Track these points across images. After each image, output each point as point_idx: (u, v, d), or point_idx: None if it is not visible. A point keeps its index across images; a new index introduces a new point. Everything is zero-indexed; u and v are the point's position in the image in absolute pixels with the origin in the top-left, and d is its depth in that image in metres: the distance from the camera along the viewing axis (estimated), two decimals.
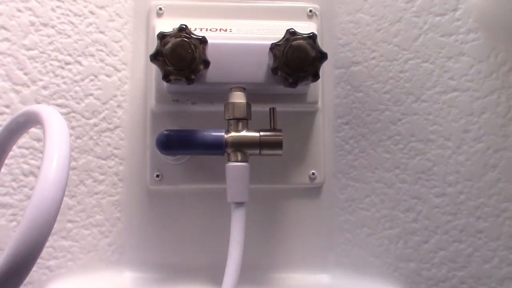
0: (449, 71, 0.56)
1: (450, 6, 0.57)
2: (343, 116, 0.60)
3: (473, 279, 0.55)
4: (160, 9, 0.58)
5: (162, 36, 0.49)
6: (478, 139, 0.55)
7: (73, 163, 0.56)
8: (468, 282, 0.55)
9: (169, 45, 0.49)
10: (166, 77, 0.49)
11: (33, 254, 0.30)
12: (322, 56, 0.51)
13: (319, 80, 0.55)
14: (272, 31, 0.56)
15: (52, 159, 0.33)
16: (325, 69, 0.60)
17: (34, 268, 0.54)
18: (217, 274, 0.52)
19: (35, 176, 0.55)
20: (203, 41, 0.50)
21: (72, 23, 0.57)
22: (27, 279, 0.53)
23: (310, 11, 0.60)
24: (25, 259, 0.30)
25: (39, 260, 0.54)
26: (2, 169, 0.46)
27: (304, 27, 0.52)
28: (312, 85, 0.56)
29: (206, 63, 0.50)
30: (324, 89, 0.60)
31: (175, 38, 0.49)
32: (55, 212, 0.32)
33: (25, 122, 0.41)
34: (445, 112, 0.56)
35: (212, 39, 0.52)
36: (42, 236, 0.31)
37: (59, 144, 0.34)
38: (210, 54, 0.51)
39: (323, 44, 0.53)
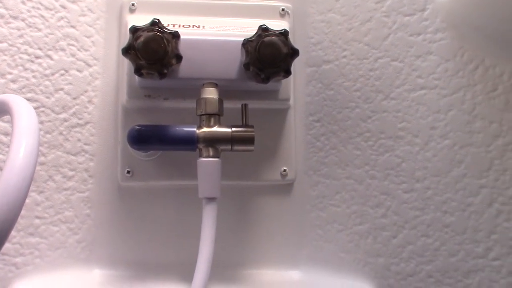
0: (417, 69, 0.58)
1: (418, 6, 0.58)
2: (315, 114, 0.60)
3: (440, 272, 0.56)
4: (133, 5, 0.58)
5: (134, 30, 0.49)
6: (445, 136, 0.57)
7: (42, 158, 0.55)
8: (435, 276, 0.56)
9: (142, 39, 0.49)
10: (138, 71, 0.49)
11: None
12: (294, 52, 0.51)
13: (291, 78, 0.56)
14: (244, 29, 0.56)
15: (20, 146, 0.32)
16: (297, 67, 0.61)
17: (0, 265, 0.53)
18: (188, 271, 0.52)
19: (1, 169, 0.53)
20: (175, 35, 0.50)
21: (43, 16, 0.56)
22: None
23: (283, 10, 0.61)
24: None
25: (5, 257, 0.54)
26: None
27: (277, 26, 0.53)
28: (284, 82, 0.57)
29: (179, 58, 0.50)
30: (296, 87, 0.61)
31: (148, 32, 0.49)
32: (22, 199, 0.32)
33: None
34: (413, 109, 0.58)
35: (185, 35, 0.52)
36: (7, 223, 0.31)
37: (28, 132, 0.34)
38: (182, 49, 0.51)
39: (295, 42, 0.53)
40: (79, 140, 0.57)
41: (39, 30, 0.56)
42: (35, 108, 0.55)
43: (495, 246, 0.55)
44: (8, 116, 0.49)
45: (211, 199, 0.52)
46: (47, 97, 0.56)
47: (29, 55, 0.55)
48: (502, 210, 0.55)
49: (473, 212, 0.56)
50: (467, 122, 0.56)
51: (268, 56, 0.50)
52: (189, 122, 0.53)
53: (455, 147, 0.56)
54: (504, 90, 0.56)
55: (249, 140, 0.53)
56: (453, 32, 0.57)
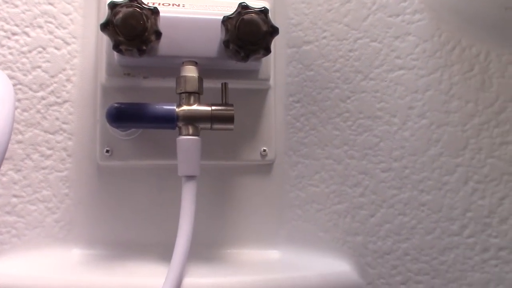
0: (396, 50, 0.58)
1: None
2: (295, 94, 0.61)
3: (416, 250, 0.57)
4: None
5: (113, 5, 0.49)
6: (422, 115, 0.57)
7: (19, 136, 0.55)
8: (411, 254, 0.57)
9: (120, 14, 0.48)
10: (116, 47, 0.49)
11: None
12: (274, 30, 0.51)
13: (271, 58, 0.56)
14: (225, 8, 0.56)
15: None
16: (277, 48, 0.61)
17: None
18: (167, 250, 0.51)
19: None
20: (154, 11, 0.49)
21: None
22: None
23: None
24: None
25: None
26: None
27: (257, 5, 0.53)
28: (264, 62, 0.57)
29: (158, 34, 0.50)
30: (276, 67, 0.61)
31: (127, 7, 0.49)
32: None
33: None
34: (391, 89, 0.58)
35: (165, 12, 0.51)
36: None
37: (2, 99, 0.33)
38: (162, 27, 0.51)
39: (276, 23, 0.53)
40: (57, 118, 0.56)
41: (16, 6, 0.55)
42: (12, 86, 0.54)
43: (470, 224, 0.56)
44: None
45: (190, 177, 0.51)
46: (24, 75, 0.55)
47: (5, 31, 0.55)
48: (477, 188, 0.56)
49: (449, 191, 0.57)
50: (444, 101, 0.57)
51: (248, 34, 0.50)
52: (169, 100, 0.53)
53: (432, 127, 0.57)
54: (480, 70, 0.57)
55: (228, 119, 0.53)
56: (431, 13, 0.58)
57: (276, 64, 0.61)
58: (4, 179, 0.54)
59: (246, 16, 0.51)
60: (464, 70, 0.57)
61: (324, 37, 0.60)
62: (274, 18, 0.59)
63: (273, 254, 0.60)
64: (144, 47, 0.49)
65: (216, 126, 0.53)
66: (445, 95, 0.57)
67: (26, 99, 0.55)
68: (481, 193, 0.56)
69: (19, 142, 0.54)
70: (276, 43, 0.59)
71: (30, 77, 0.55)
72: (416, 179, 0.57)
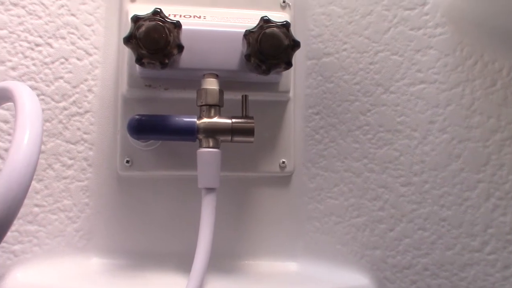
0: (417, 63, 0.58)
1: (419, 0, 0.58)
2: (314, 106, 0.61)
3: (436, 265, 0.56)
4: None
5: (136, 19, 0.49)
6: (443, 130, 0.57)
7: (42, 147, 0.55)
8: (431, 269, 0.56)
9: (143, 28, 0.49)
10: (139, 60, 0.49)
11: (4, 226, 0.30)
12: (295, 44, 0.51)
13: (291, 70, 0.56)
14: (245, 20, 0.56)
15: (24, 133, 0.32)
16: (297, 59, 0.61)
17: None
18: (186, 261, 0.52)
19: (2, 158, 0.53)
20: (177, 25, 0.50)
21: (43, 4, 0.56)
22: None
23: (284, 1, 0.60)
24: None
25: (3, 245, 0.54)
26: None
27: (277, 18, 0.53)
28: (284, 74, 0.57)
29: (180, 48, 0.50)
30: (296, 79, 0.61)
31: (150, 21, 0.49)
32: (26, 186, 0.32)
33: None
34: (412, 103, 0.58)
35: (186, 25, 0.52)
36: (12, 210, 0.31)
37: (32, 119, 0.34)
38: (184, 40, 0.51)
39: (296, 35, 0.53)
40: (78, 129, 0.57)
41: (40, 17, 0.56)
42: None
43: (491, 240, 0.56)
44: (8, 103, 0.49)
45: (210, 190, 0.52)
46: (47, 85, 0.56)
47: (29, 42, 0.55)
48: (499, 204, 0.56)
49: (469, 206, 0.56)
50: (466, 116, 0.57)
51: (270, 48, 0.51)
52: (189, 112, 0.53)
53: (453, 142, 0.57)
54: (503, 85, 0.56)
55: (249, 131, 0.53)
56: (452, 27, 0.57)
57: (296, 75, 0.61)
58: None
59: (268, 30, 0.51)
60: (486, 85, 0.57)
61: (345, 49, 0.60)
62: (294, 29, 0.59)
63: (291, 266, 0.60)
64: (167, 61, 0.49)
65: (236, 138, 0.53)
66: (466, 110, 0.57)
67: (49, 109, 0.55)
68: (502, 210, 0.56)
69: (41, 152, 0.55)
70: (296, 55, 0.58)
71: (52, 87, 0.56)
72: (437, 194, 0.57)
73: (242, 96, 0.54)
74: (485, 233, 0.56)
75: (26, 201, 0.54)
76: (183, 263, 0.55)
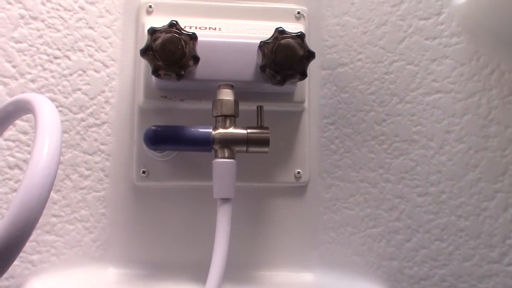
0: (433, 73, 0.58)
1: (434, 10, 0.58)
2: (329, 116, 0.61)
3: (454, 276, 0.56)
4: (150, 6, 0.58)
5: (152, 31, 0.50)
6: (460, 140, 0.57)
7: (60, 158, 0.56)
8: (449, 280, 0.56)
9: (160, 40, 0.49)
10: (155, 72, 0.50)
11: (23, 236, 0.30)
12: (310, 55, 0.52)
13: (306, 81, 0.56)
14: (260, 31, 0.57)
15: (44, 144, 0.33)
16: (312, 70, 0.61)
17: (17, 262, 0.54)
18: (202, 272, 0.52)
19: (21, 169, 0.54)
20: (193, 37, 0.50)
21: (62, 17, 0.57)
22: (9, 273, 0.53)
23: (298, 12, 0.61)
24: (16, 241, 0.30)
25: (22, 254, 0.54)
26: None
27: (292, 28, 0.53)
28: (299, 85, 0.57)
29: (196, 59, 0.50)
30: (311, 89, 0.61)
31: (166, 33, 0.50)
32: (45, 197, 0.32)
33: (15, 111, 0.41)
34: (428, 113, 0.58)
35: (202, 37, 0.52)
36: (31, 220, 0.31)
37: (51, 131, 0.34)
38: (199, 51, 0.51)
39: (310, 45, 0.54)
40: (95, 140, 0.57)
41: (58, 31, 0.57)
42: None
43: (510, 251, 0.55)
44: (27, 115, 0.50)
45: (226, 200, 0.52)
46: (65, 97, 0.56)
47: (48, 55, 0.56)
48: None
49: (488, 217, 0.56)
50: (483, 126, 0.56)
51: (285, 59, 0.51)
52: (204, 123, 0.53)
53: (470, 151, 0.56)
54: None
55: (264, 142, 0.53)
56: (468, 36, 0.57)
57: (311, 86, 0.61)
58: None
59: (283, 41, 0.51)
60: (503, 94, 0.56)
61: (359, 60, 0.60)
62: (309, 40, 0.60)
63: (307, 276, 0.60)
64: (182, 72, 0.50)
65: (251, 149, 0.53)
66: (483, 120, 0.56)
67: (67, 121, 0.56)
68: None
69: (59, 163, 0.56)
70: (311, 65, 0.59)
71: (70, 99, 0.57)
72: (454, 204, 0.56)
73: (257, 106, 0.55)
74: (504, 243, 0.55)
75: (44, 211, 0.55)
76: (198, 274, 0.55)
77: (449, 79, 0.57)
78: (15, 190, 0.54)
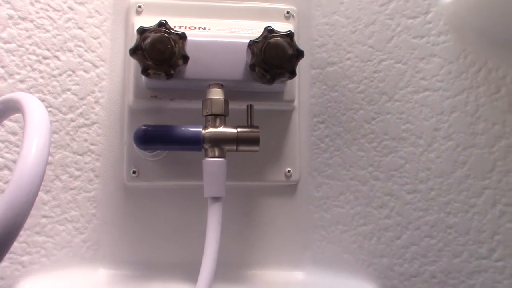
0: (421, 71, 0.58)
1: (422, 9, 0.59)
2: (319, 115, 0.61)
3: (444, 273, 0.56)
4: (139, 7, 0.58)
5: (142, 31, 0.50)
6: (448, 137, 0.57)
7: (49, 158, 0.56)
8: (438, 276, 0.56)
9: (149, 39, 0.49)
10: (145, 71, 0.50)
11: (11, 235, 0.30)
12: (299, 54, 0.52)
13: (296, 80, 0.56)
14: (250, 31, 0.57)
15: (32, 144, 0.33)
16: (302, 69, 0.61)
17: (7, 264, 0.54)
18: (193, 271, 0.52)
19: (10, 170, 0.54)
20: (182, 36, 0.50)
21: (51, 18, 0.57)
22: None
23: (288, 12, 0.61)
24: (3, 240, 0.30)
25: (11, 255, 0.54)
26: None
27: (281, 28, 0.53)
28: (289, 84, 0.57)
29: (185, 58, 0.51)
30: (301, 88, 0.62)
31: (155, 33, 0.50)
32: (33, 196, 0.32)
33: (4, 110, 0.41)
34: (417, 111, 0.58)
35: (191, 36, 0.52)
36: (19, 219, 0.31)
37: (40, 129, 0.34)
38: (189, 51, 0.51)
39: (300, 45, 0.54)
40: (85, 140, 0.57)
41: (47, 31, 0.57)
42: None
43: (498, 247, 0.56)
44: (16, 115, 0.50)
45: (216, 199, 0.52)
46: (55, 98, 0.56)
47: (37, 55, 0.56)
48: (505, 211, 0.56)
49: (476, 213, 0.56)
50: (470, 123, 0.57)
51: (274, 57, 0.51)
52: (194, 122, 0.53)
53: (458, 149, 0.57)
54: (507, 92, 0.57)
55: (254, 141, 0.53)
56: (456, 35, 0.58)
57: (301, 85, 0.62)
58: None
59: (272, 40, 0.51)
60: (490, 92, 0.57)
61: (348, 59, 0.60)
62: (298, 39, 0.60)
63: (298, 275, 0.60)
64: (172, 71, 0.50)
65: (241, 148, 0.53)
66: (471, 117, 0.57)
67: (56, 121, 0.56)
68: (509, 216, 0.56)
69: (49, 163, 0.56)
70: (300, 64, 0.59)
71: (60, 99, 0.56)
72: (443, 201, 0.57)
73: (247, 105, 0.55)
74: (492, 239, 0.56)
75: (34, 212, 0.55)
76: (190, 273, 0.55)
77: (437, 77, 0.58)
78: (3, 191, 0.54)
